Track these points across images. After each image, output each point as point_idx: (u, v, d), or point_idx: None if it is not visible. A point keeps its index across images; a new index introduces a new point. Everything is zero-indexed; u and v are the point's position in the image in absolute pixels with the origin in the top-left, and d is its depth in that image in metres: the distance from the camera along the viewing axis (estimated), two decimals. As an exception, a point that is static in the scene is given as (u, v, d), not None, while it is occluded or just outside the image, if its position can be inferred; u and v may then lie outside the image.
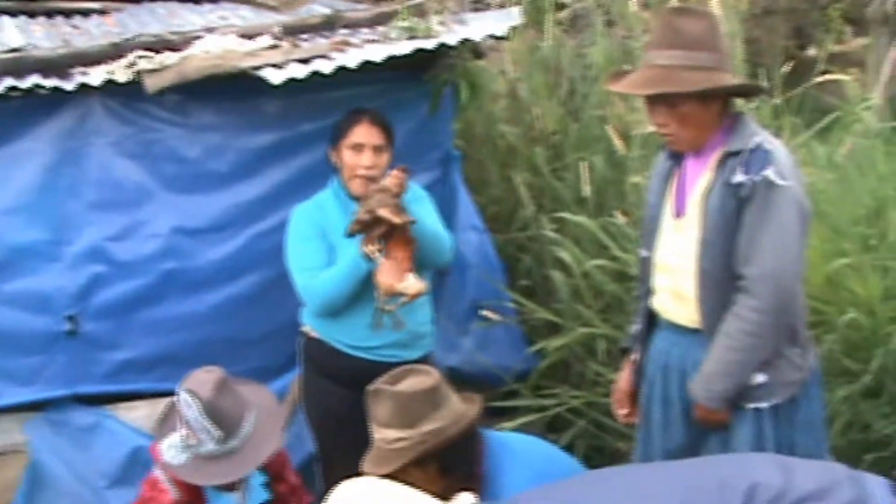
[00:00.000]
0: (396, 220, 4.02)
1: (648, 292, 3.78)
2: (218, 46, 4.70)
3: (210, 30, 4.91)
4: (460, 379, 4.91)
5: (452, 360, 5.13)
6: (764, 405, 3.46)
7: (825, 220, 4.65)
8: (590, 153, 5.59)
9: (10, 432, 4.64)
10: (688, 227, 3.55)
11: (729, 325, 3.42)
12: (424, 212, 4.43)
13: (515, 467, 3.32)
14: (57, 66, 4.65)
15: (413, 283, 4.06)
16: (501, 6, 6.15)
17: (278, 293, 4.47)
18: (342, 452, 4.05)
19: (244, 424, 3.68)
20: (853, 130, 5.52)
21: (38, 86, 4.49)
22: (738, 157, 3.42)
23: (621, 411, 3.98)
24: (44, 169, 4.60)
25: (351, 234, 4.06)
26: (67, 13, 5.81)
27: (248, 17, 5.55)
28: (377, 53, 4.64)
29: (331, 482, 4.40)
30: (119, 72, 4.58)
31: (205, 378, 3.66)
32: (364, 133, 4.34)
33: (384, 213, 3.99)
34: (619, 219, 5.09)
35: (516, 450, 3.44)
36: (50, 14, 5.75)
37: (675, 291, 3.62)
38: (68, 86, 4.52)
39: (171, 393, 3.83)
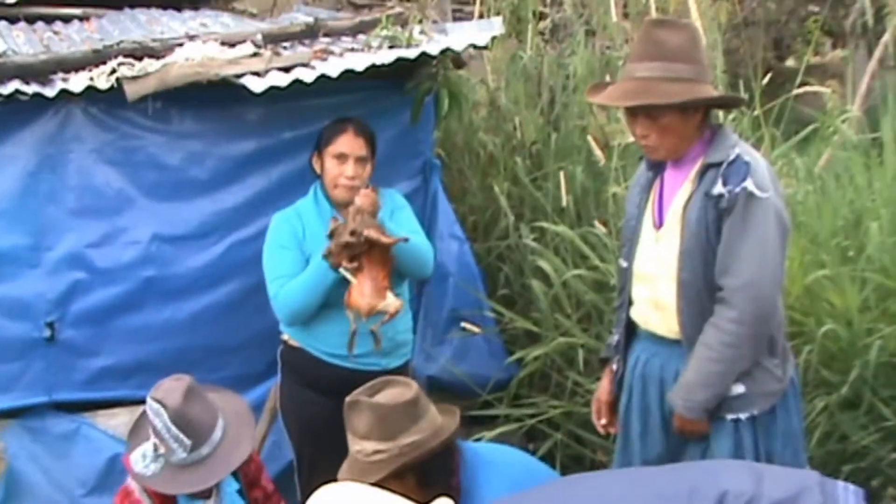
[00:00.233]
0: (386, 240, 4.05)
1: (628, 302, 3.79)
2: (199, 54, 4.68)
3: (191, 37, 4.90)
4: (439, 387, 4.94)
5: (431, 368, 5.15)
6: (743, 416, 3.48)
7: (804, 232, 4.67)
8: (570, 163, 5.60)
9: (-13, 439, 4.62)
10: (667, 238, 3.56)
11: (708, 335, 3.44)
12: (405, 221, 4.44)
13: (493, 479, 3.31)
14: (38, 72, 4.64)
15: (393, 301, 4.11)
16: (481, 16, 6.15)
17: (258, 301, 4.46)
18: (321, 461, 4.05)
19: (214, 431, 3.65)
20: (832, 142, 5.56)
21: (18, 92, 4.48)
22: (717, 168, 3.43)
23: (600, 421, 3.98)
24: (24, 175, 4.59)
25: (337, 265, 4.07)
26: (48, 19, 5.78)
27: (229, 24, 5.53)
28: (358, 62, 4.65)
29: (310, 490, 4.41)
30: (100, 78, 4.57)
31: (173, 386, 3.64)
32: (348, 143, 4.34)
33: (373, 234, 4.01)
34: (599, 229, 5.10)
35: (493, 461, 3.43)
36: (31, 20, 5.72)
37: (655, 302, 3.63)
38: (49, 92, 4.51)
39: (150, 401, 3.82)
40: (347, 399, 3.35)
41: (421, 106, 5.09)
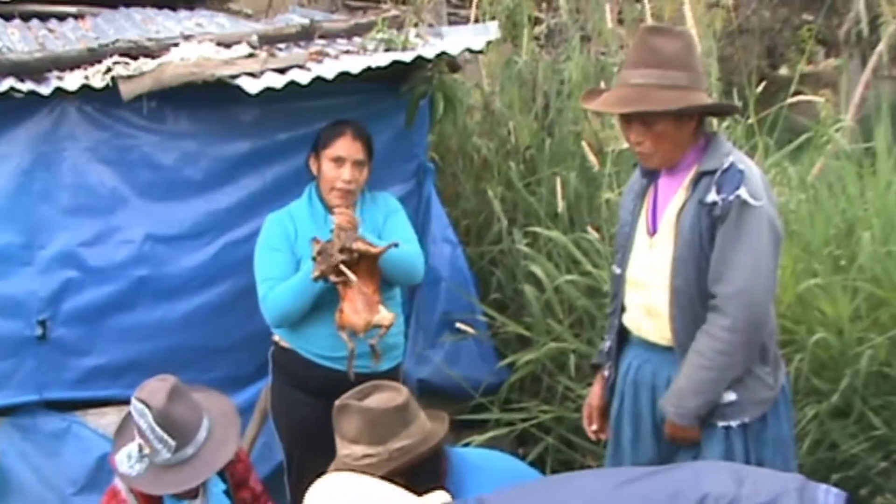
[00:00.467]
0: (375, 250, 4.06)
1: (620, 309, 3.80)
2: (195, 54, 4.68)
3: (187, 37, 4.90)
4: (430, 391, 4.94)
5: (423, 372, 5.14)
6: (734, 423, 3.48)
7: (796, 241, 4.68)
8: (563, 168, 5.60)
9: (-23, 437, 4.61)
10: (661, 245, 3.57)
11: (700, 343, 3.44)
12: (399, 226, 4.44)
13: (481, 484, 3.30)
14: (33, 69, 4.64)
15: (387, 314, 4.11)
16: (477, 20, 6.15)
17: (250, 302, 4.45)
18: (311, 462, 4.04)
19: (199, 432, 3.65)
20: (825, 151, 5.57)
21: (13, 89, 4.48)
22: (712, 176, 3.44)
23: (591, 427, 3.98)
24: (18, 173, 4.59)
25: (324, 277, 4.07)
26: (43, 17, 5.80)
27: (224, 25, 5.54)
28: (354, 65, 4.65)
29: (300, 492, 4.41)
30: (95, 77, 4.56)
31: (158, 387, 3.64)
32: (346, 147, 4.34)
33: (361, 246, 4.02)
34: (592, 234, 5.10)
35: (481, 466, 3.44)
36: (26, 17, 5.72)
37: (648, 308, 3.64)
38: (44, 90, 4.51)
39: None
40: (336, 403, 3.35)
41: (416, 109, 5.09)
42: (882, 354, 4.36)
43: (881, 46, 6.69)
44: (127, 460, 3.64)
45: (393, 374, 4.26)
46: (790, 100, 5.38)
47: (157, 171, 4.77)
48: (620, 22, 6.17)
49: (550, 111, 6.12)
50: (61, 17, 5.80)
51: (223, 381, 4.51)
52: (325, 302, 4.18)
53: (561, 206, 5.32)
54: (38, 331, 4.60)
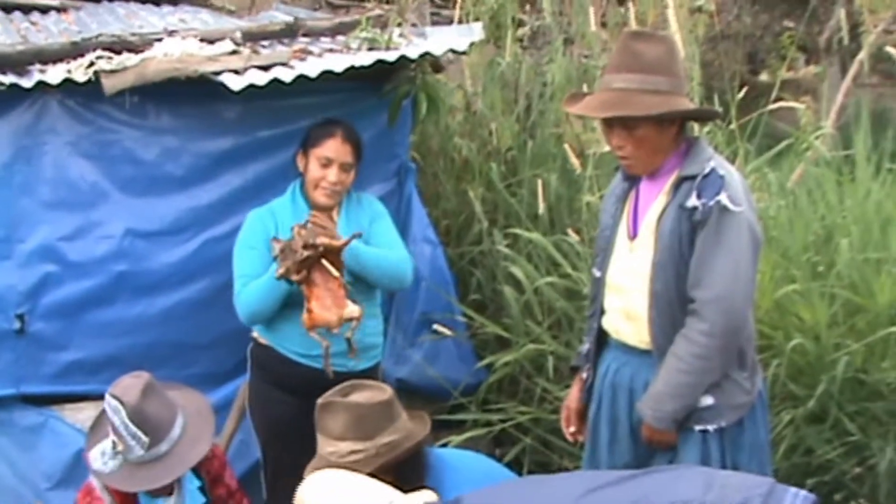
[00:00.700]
0: (338, 243, 4.06)
1: (600, 312, 3.81)
2: (178, 50, 4.67)
3: (170, 32, 4.89)
4: (408, 391, 4.93)
5: (401, 371, 5.14)
6: (711, 427, 3.49)
7: (775, 246, 4.71)
8: (545, 170, 5.61)
9: (-48, 430, 4.60)
10: (641, 249, 3.58)
11: (678, 347, 3.46)
12: (384, 232, 4.45)
13: (459, 485, 3.30)
14: (15, 62, 4.63)
15: (355, 308, 4.10)
16: (460, 21, 6.16)
17: (229, 299, 4.43)
18: (288, 460, 4.05)
19: (173, 429, 3.64)
20: (805, 158, 5.59)
21: (-5, 81, 4.47)
22: (692, 181, 3.46)
23: (569, 429, 3.99)
24: (-2, 165, 4.57)
25: (287, 276, 4.06)
26: (26, 9, 5.77)
27: (208, 21, 5.53)
28: (338, 63, 4.65)
29: (276, 490, 4.42)
30: (78, 71, 4.55)
31: (131, 383, 3.63)
32: (335, 149, 4.34)
33: (325, 240, 4.02)
34: (572, 237, 5.11)
35: (457, 467, 3.43)
36: (7, 9, 5.70)
37: (627, 312, 3.65)
38: (26, 83, 4.49)
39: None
40: (320, 401, 3.34)
41: (398, 109, 5.09)
42: (858, 361, 4.39)
43: (862, 54, 6.71)
44: (101, 457, 3.63)
45: (372, 374, 4.27)
46: (771, 106, 5.39)
47: (139, 166, 4.76)
48: (604, 25, 6.18)
49: (532, 113, 6.13)
50: (44, 10, 5.78)
51: (202, 378, 4.51)
52: (300, 300, 4.17)
53: (541, 207, 5.32)
54: (17, 324, 4.58)
